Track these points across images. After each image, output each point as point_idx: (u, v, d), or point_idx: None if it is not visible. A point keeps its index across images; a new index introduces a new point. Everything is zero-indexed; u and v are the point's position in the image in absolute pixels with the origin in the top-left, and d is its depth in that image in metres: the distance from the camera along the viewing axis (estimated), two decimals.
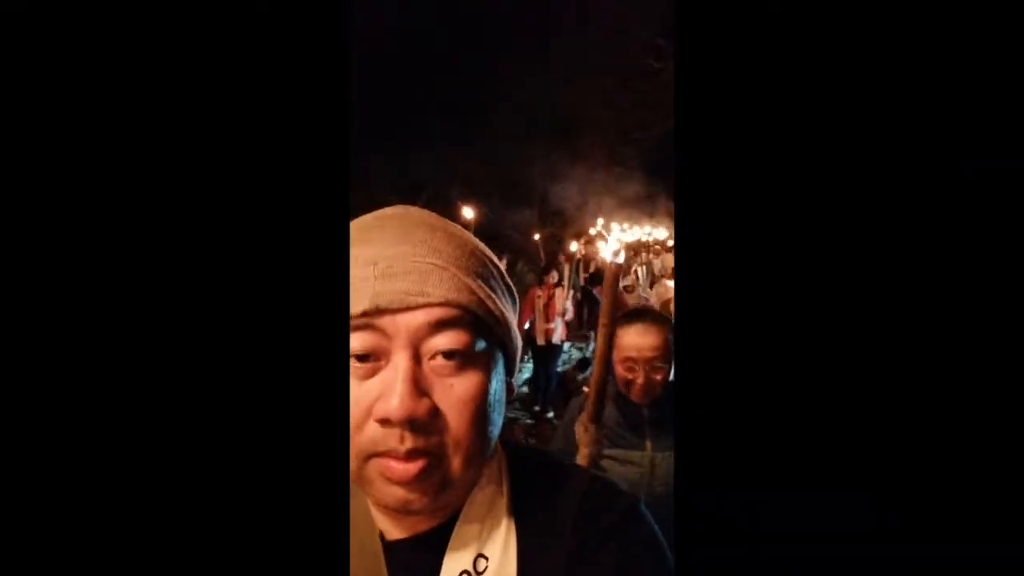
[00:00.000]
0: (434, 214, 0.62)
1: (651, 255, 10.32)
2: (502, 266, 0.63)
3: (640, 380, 1.70)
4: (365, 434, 0.54)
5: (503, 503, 0.60)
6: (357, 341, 0.53)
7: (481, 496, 0.60)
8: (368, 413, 0.53)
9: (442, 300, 0.54)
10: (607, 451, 1.72)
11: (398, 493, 0.54)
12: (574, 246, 8.54)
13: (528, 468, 0.64)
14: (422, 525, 0.59)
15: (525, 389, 6.58)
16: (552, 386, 6.31)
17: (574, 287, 6.58)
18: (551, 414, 6.03)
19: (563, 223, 13.07)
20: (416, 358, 0.54)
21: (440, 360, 0.54)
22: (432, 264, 0.55)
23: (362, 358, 0.54)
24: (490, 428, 0.57)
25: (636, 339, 1.70)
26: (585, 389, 1.80)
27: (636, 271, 9.13)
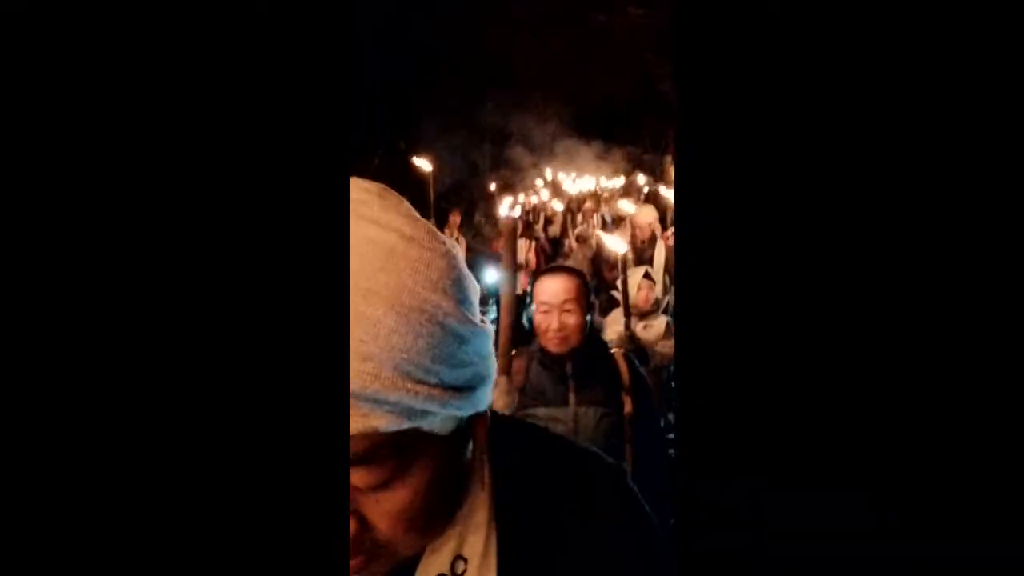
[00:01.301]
0: (361, 210, 0.47)
1: (602, 203, 10.36)
2: (459, 244, 0.57)
3: (554, 324, 1.88)
4: None
5: (484, 506, 0.56)
6: None
7: (463, 502, 0.57)
8: None
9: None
10: (531, 410, 1.82)
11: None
12: (535, 199, 8.48)
13: (511, 449, 0.60)
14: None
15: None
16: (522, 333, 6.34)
17: (536, 238, 6.54)
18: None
19: (514, 175, 13.00)
20: None
21: (357, 487, 0.46)
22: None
23: None
24: (436, 518, 0.51)
25: (549, 285, 1.91)
26: (514, 351, 1.85)
27: (591, 220, 9.18)
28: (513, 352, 1.91)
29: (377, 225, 0.46)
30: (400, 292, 0.44)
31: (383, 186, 0.51)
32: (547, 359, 1.92)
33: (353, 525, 0.47)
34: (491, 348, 0.53)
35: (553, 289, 1.91)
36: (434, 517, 0.52)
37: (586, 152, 13.91)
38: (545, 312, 1.91)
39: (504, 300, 1.40)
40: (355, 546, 0.49)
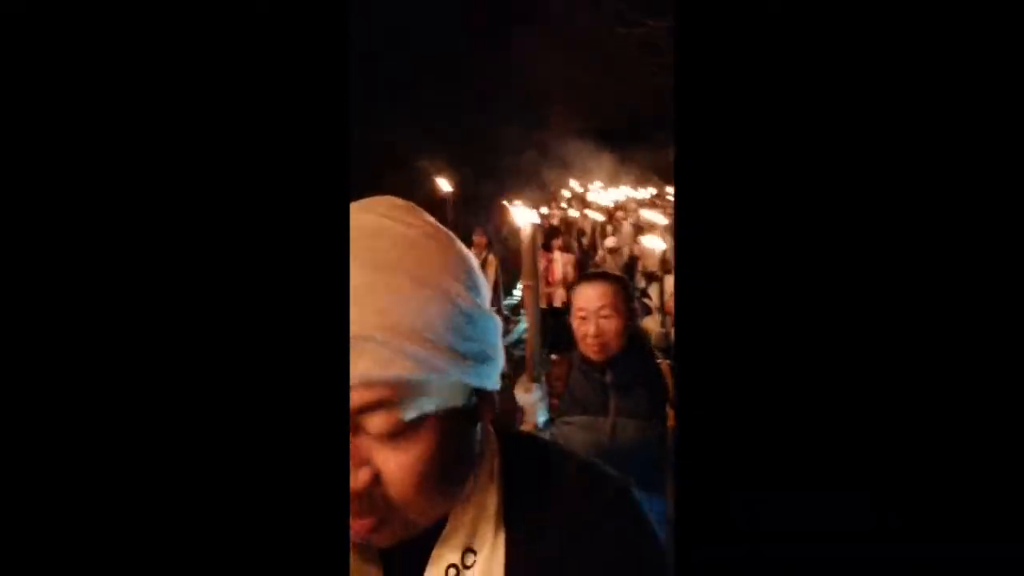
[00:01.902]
0: (408, 215, 0.56)
1: (626, 214, 10.35)
2: (474, 258, 0.59)
3: (592, 330, 1.84)
4: None
5: (494, 498, 0.60)
6: None
7: (473, 492, 0.59)
8: None
9: (362, 381, 0.49)
10: (569, 417, 1.78)
11: (359, 537, 0.54)
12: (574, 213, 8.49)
13: (521, 457, 0.63)
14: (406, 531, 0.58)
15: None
16: (560, 342, 6.39)
17: (572, 251, 6.59)
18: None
19: (542, 188, 13.05)
20: (352, 430, 0.51)
21: (374, 434, 0.51)
22: (351, 336, 0.48)
23: None
24: (444, 487, 0.55)
25: (586, 292, 1.88)
26: (554, 358, 1.85)
27: (617, 231, 9.18)
28: (553, 358, 1.90)
29: (406, 224, 0.54)
30: (421, 272, 0.52)
31: (412, 203, 0.59)
32: (586, 366, 1.89)
33: (367, 476, 0.51)
34: (498, 334, 0.59)
35: (589, 295, 1.88)
36: (443, 484, 0.55)
37: (609, 163, 13.91)
38: (583, 318, 1.87)
39: (528, 309, 1.41)
40: (368, 503, 0.51)
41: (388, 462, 0.51)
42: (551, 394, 1.83)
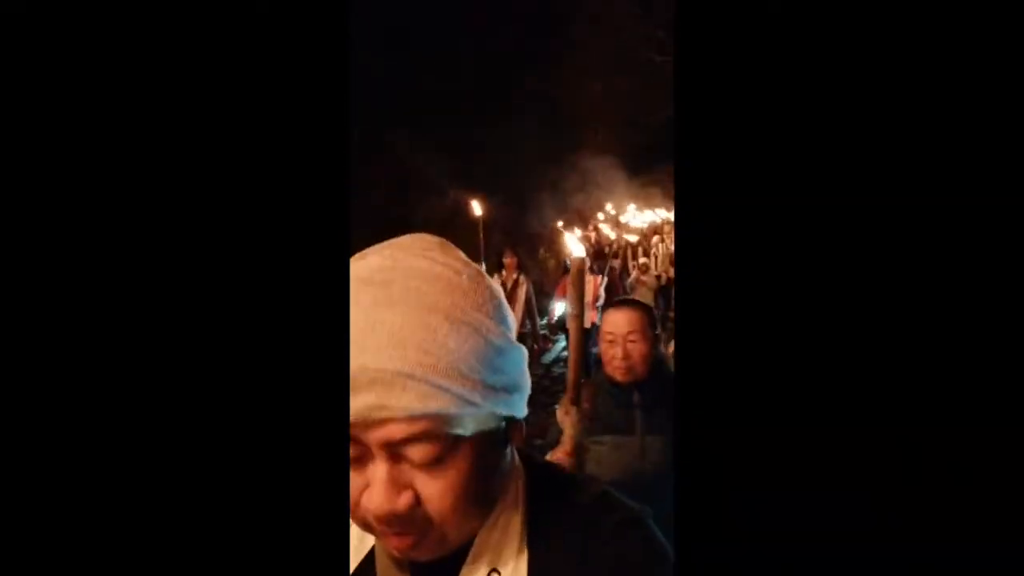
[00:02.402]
0: (442, 257, 0.59)
1: (662, 237, 10.32)
2: (505, 282, 0.63)
3: (619, 353, 1.97)
4: (359, 512, 0.57)
5: (518, 520, 0.63)
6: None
7: (499, 513, 0.63)
8: (360, 495, 0.56)
9: (405, 414, 0.53)
10: (597, 437, 1.86)
11: (401, 552, 0.58)
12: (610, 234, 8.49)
13: (544, 485, 0.67)
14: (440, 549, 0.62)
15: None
16: (590, 365, 6.46)
17: (604, 274, 6.60)
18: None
19: (576, 210, 13.07)
20: (394, 458, 0.55)
21: (415, 462, 0.55)
22: (395, 372, 0.52)
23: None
24: (477, 507, 0.59)
25: (614, 317, 2.03)
26: (582, 381, 1.89)
27: (652, 252, 9.16)
28: (582, 382, 1.94)
29: (438, 263, 0.58)
30: (453, 309, 0.56)
31: (443, 239, 0.64)
32: (614, 388, 2.00)
33: (408, 499, 0.55)
34: (524, 364, 0.63)
35: (619, 320, 2.01)
36: (476, 504, 0.59)
37: (640, 185, 13.87)
38: (611, 342, 2.01)
39: (572, 336, 1.46)
40: (409, 523, 0.56)
41: (428, 487, 0.55)
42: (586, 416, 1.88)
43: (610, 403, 1.95)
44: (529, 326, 5.48)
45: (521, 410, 0.62)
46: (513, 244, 6.78)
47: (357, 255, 0.60)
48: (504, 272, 5.81)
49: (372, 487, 0.55)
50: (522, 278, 5.82)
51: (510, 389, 0.59)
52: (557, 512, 0.65)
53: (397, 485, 0.55)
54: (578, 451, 1.55)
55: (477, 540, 0.61)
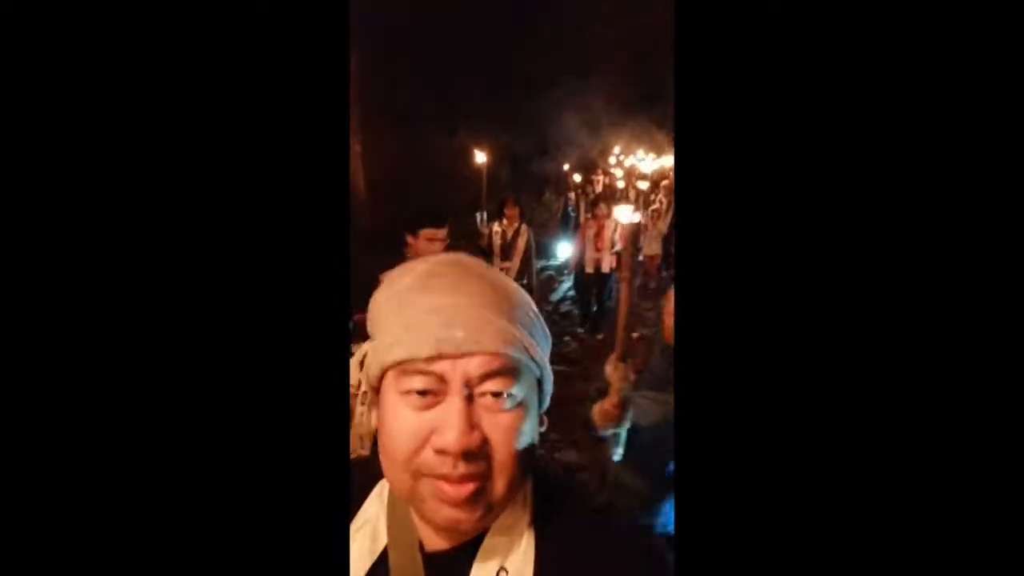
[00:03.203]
0: (483, 263, 0.70)
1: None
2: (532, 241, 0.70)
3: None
4: (421, 458, 0.61)
5: (526, 521, 0.68)
6: (419, 381, 0.61)
7: (508, 514, 0.67)
8: (425, 441, 0.61)
9: (494, 350, 0.62)
10: (644, 391, 1.92)
11: (449, 513, 0.62)
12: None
13: (551, 489, 0.72)
14: (459, 537, 0.66)
15: (571, 308, 7.05)
16: (602, 310, 6.70)
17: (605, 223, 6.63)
18: (600, 335, 6.49)
19: (578, 155, 12.94)
20: (469, 397, 0.61)
21: (489, 398, 0.62)
22: (486, 316, 0.62)
23: (422, 393, 0.61)
24: (529, 454, 0.65)
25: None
26: (635, 335, 1.95)
27: (660, 200, 9.15)
28: (635, 335, 2.01)
29: (487, 273, 0.69)
30: (513, 292, 0.68)
31: (481, 260, 0.73)
32: (669, 349, 2.04)
33: (480, 437, 0.61)
34: (548, 350, 0.70)
35: None
36: (524, 464, 0.65)
37: (651, 130, 13.68)
38: (672, 313, 2.05)
39: (623, 299, 1.56)
40: (475, 464, 0.61)
41: (495, 429, 0.62)
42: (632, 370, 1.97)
43: (663, 363, 2.02)
44: (526, 277, 5.50)
45: (547, 385, 0.70)
46: (516, 190, 6.69)
47: (392, 273, 0.68)
48: (506, 221, 5.75)
49: (447, 423, 0.60)
50: (523, 227, 5.75)
51: (545, 370, 0.69)
52: (563, 516, 0.69)
53: (471, 422, 0.60)
54: (624, 403, 1.69)
55: (487, 538, 0.66)
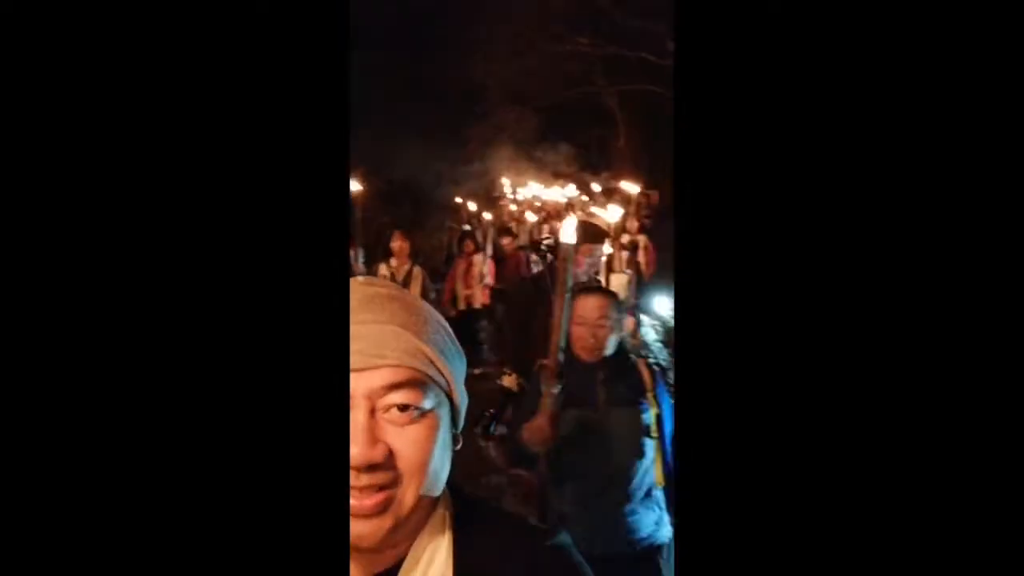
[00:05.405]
0: (395, 286, 0.73)
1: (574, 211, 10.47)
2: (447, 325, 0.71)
3: (587, 334, 2.22)
4: None
5: (445, 549, 0.68)
6: None
7: (425, 541, 0.67)
8: None
9: (398, 363, 0.63)
10: (567, 410, 2.07)
11: (355, 526, 0.61)
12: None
13: (469, 512, 0.72)
14: (371, 568, 0.65)
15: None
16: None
17: (493, 253, 6.59)
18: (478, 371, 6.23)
19: (473, 189, 13.03)
20: (372, 411, 0.62)
21: (395, 412, 0.63)
22: (393, 331, 0.64)
23: None
24: (438, 471, 0.66)
25: (587, 302, 2.29)
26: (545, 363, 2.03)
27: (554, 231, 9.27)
28: (542, 363, 2.11)
29: (398, 294, 0.70)
30: (426, 312, 0.69)
31: (398, 285, 0.76)
32: (579, 365, 2.23)
33: (384, 450, 0.62)
34: (462, 379, 0.72)
35: (591, 305, 2.28)
36: (435, 477, 0.66)
37: (541, 164, 14.01)
38: (580, 324, 2.26)
39: (555, 320, 1.70)
40: (381, 476, 0.61)
41: (399, 439, 0.63)
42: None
43: (574, 380, 2.13)
44: None
45: (461, 415, 0.71)
46: (404, 225, 6.16)
47: None
48: (394, 261, 4.91)
49: (351, 437, 0.60)
50: (416, 269, 4.95)
51: (457, 387, 0.70)
52: (482, 538, 0.70)
53: (373, 436, 0.61)
54: (554, 421, 1.81)
55: (404, 564, 0.66)
